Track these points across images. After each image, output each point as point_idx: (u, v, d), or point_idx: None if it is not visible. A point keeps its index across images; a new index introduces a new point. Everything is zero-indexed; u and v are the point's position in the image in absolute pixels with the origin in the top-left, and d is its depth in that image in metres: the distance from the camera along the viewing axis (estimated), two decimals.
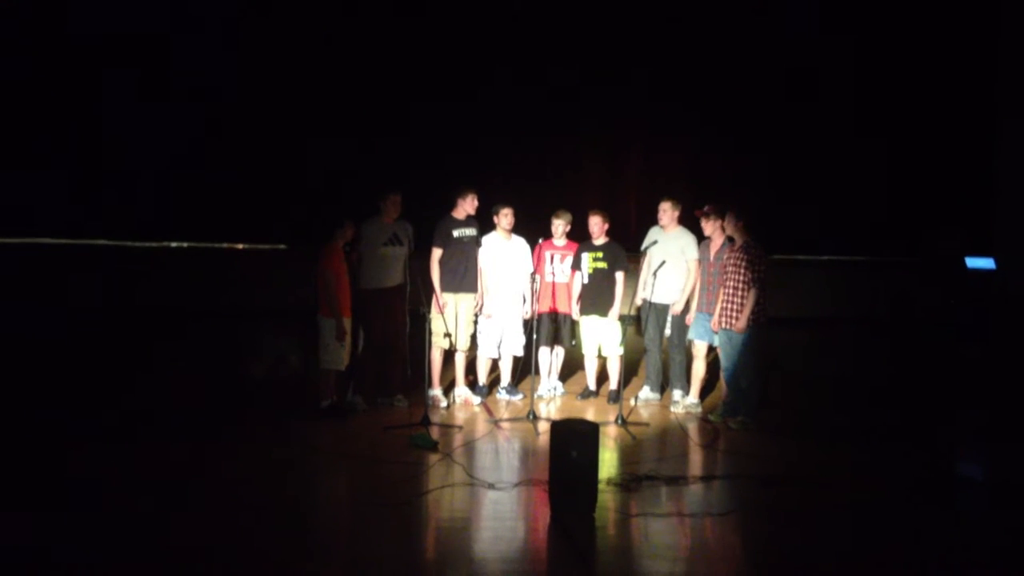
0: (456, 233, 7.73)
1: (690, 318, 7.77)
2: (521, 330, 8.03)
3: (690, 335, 7.76)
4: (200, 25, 11.77)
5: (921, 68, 12.83)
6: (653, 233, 7.97)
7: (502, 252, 7.92)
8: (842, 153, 12.82)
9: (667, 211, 7.90)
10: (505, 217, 7.87)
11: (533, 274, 7.87)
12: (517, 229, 8.01)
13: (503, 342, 8.00)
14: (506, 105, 12.16)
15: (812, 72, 12.74)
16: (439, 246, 7.71)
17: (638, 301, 8.00)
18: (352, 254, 7.51)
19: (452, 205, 7.78)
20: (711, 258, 7.60)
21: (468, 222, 7.80)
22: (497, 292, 7.90)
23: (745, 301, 7.11)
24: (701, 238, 7.76)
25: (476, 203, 7.77)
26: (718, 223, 7.52)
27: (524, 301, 8.00)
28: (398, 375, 7.73)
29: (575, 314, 8.01)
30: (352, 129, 11.93)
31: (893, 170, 12.86)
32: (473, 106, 12.10)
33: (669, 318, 7.86)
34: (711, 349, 7.70)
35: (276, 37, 11.86)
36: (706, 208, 7.59)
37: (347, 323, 7.27)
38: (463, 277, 7.75)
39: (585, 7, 12.37)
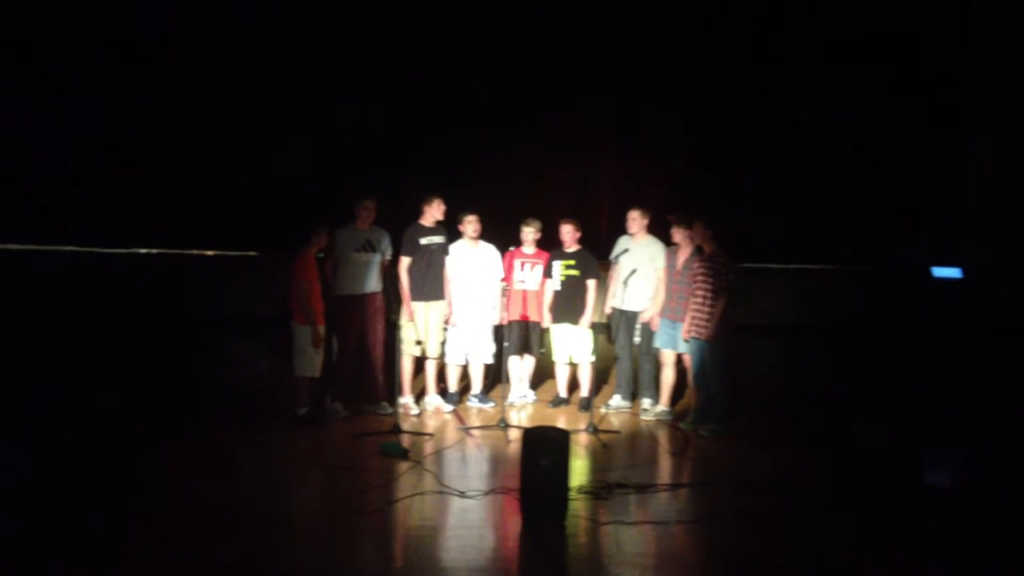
0: (424, 241, 7.71)
1: (654, 323, 7.79)
2: (491, 337, 8.01)
3: (656, 343, 7.79)
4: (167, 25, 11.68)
5: (891, 79, 12.98)
6: (623, 242, 8.02)
7: (470, 259, 7.90)
8: (811, 163, 12.93)
9: (636, 219, 7.95)
10: (470, 225, 7.85)
11: (502, 280, 7.87)
12: (487, 236, 8.00)
13: (472, 350, 7.99)
14: (473, 110, 12.10)
15: (783, 82, 12.84)
16: (407, 254, 7.69)
17: (608, 309, 8.03)
18: (327, 261, 7.48)
19: (419, 213, 7.77)
20: (679, 266, 7.63)
21: (436, 229, 7.79)
22: (465, 300, 7.88)
23: (713, 310, 7.17)
24: (670, 245, 7.81)
25: (443, 207, 7.75)
26: (687, 231, 7.57)
27: (493, 308, 8.00)
28: (379, 382, 7.69)
29: (545, 322, 8.01)
30: (322, 133, 11.84)
31: (861, 180, 12.99)
32: (440, 108, 12.02)
33: (638, 326, 7.89)
34: (680, 357, 7.74)
35: (243, 35, 11.74)
36: (674, 215, 7.65)
37: (321, 330, 7.22)
38: (432, 285, 7.73)
39: (555, 11, 12.35)
